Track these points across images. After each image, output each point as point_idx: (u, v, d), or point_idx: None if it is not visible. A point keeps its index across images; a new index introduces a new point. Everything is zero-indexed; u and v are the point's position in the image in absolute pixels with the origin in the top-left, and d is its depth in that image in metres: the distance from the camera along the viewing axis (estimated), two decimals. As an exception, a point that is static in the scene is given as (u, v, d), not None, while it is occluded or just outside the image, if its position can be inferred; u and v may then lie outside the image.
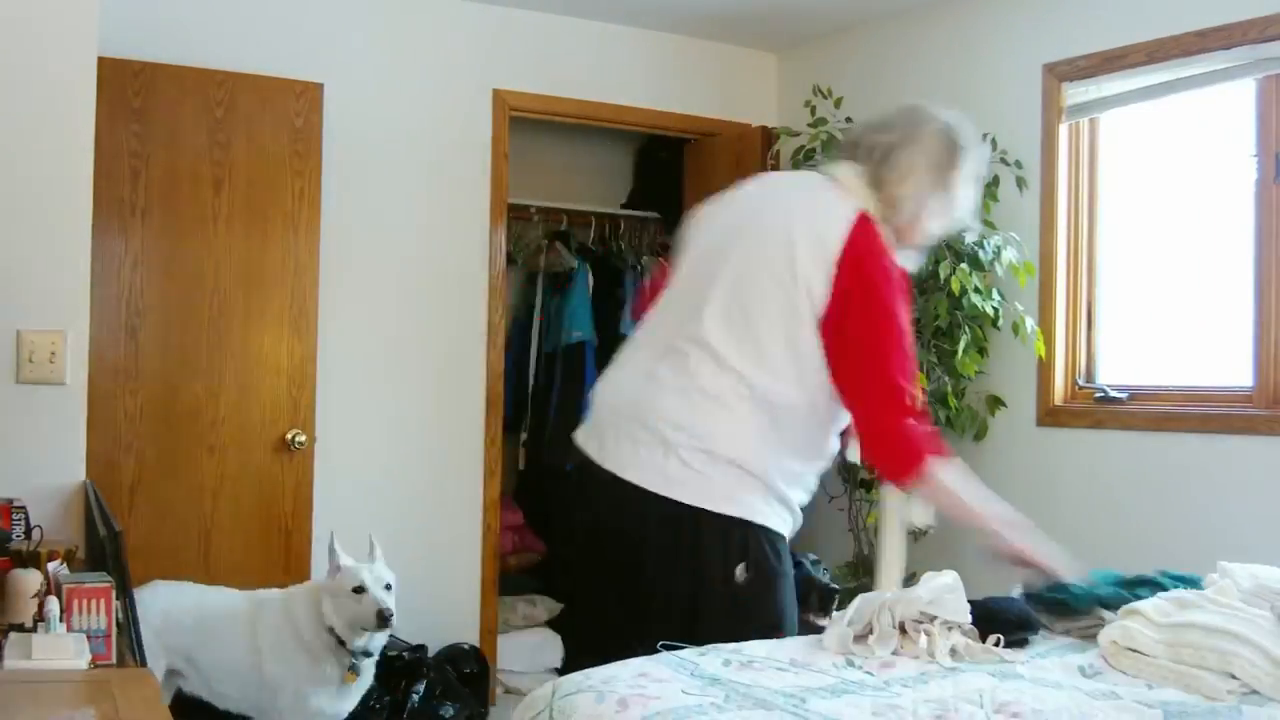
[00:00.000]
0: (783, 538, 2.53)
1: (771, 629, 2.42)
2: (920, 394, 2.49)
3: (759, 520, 2.45)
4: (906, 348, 2.42)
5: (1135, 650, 2.73)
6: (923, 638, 2.82)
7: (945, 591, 2.90)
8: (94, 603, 2.02)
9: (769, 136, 4.87)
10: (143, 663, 2.08)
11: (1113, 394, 3.95)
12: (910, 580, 4.17)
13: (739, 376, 2.40)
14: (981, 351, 4.13)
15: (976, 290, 3.97)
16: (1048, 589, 3.13)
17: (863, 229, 2.41)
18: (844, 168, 2.56)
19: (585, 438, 2.59)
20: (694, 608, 2.45)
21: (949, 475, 2.45)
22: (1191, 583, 3.10)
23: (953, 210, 2.58)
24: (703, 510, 2.40)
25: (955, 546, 4.29)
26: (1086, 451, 3.97)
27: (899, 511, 2.71)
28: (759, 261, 2.44)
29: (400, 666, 4.12)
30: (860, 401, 2.43)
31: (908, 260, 2.57)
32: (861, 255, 2.38)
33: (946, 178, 2.53)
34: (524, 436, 5.41)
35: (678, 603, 2.46)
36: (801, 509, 2.58)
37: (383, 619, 3.21)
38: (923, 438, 2.44)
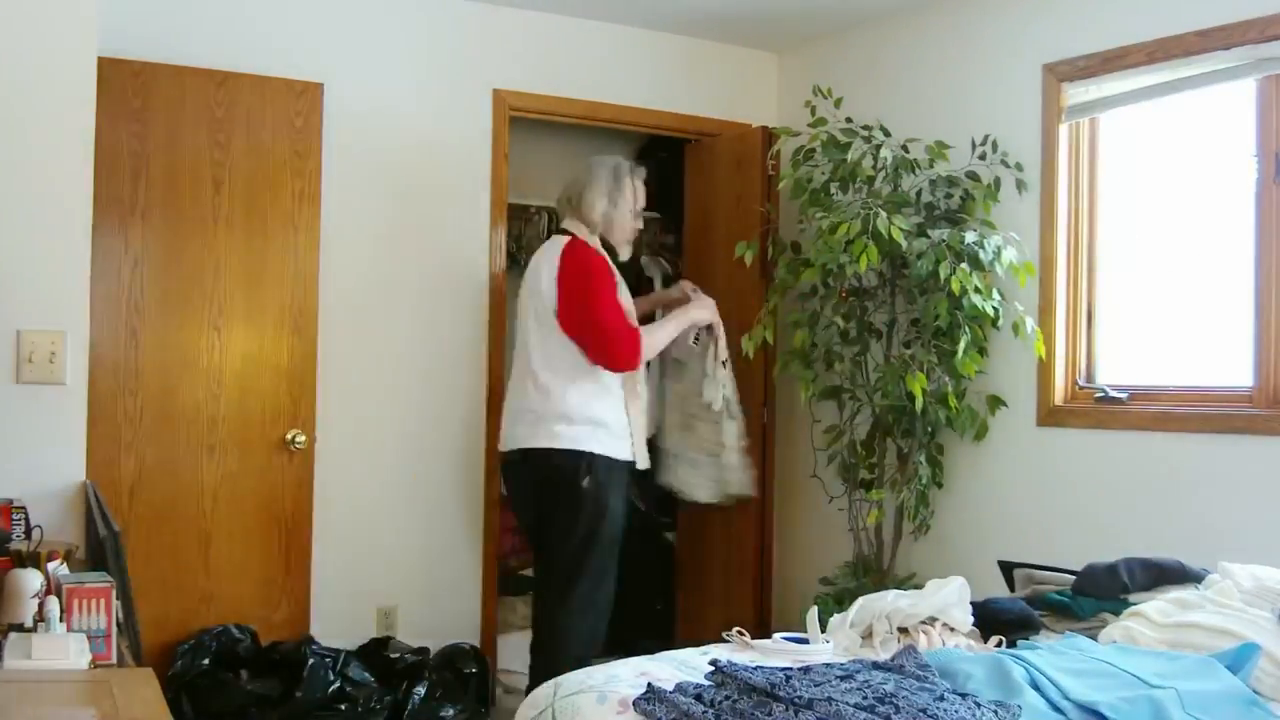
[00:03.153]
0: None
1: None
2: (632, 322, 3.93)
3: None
4: (608, 301, 3.87)
5: (1136, 650, 2.73)
6: (922, 638, 2.82)
7: (947, 603, 2.90)
8: (94, 603, 2.02)
9: (769, 136, 4.86)
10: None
11: (1113, 394, 3.94)
12: (911, 581, 4.18)
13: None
14: (981, 351, 4.13)
15: (976, 290, 3.97)
16: (1052, 596, 3.13)
17: (569, 249, 3.91)
18: (566, 222, 4.06)
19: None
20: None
21: (648, 338, 3.95)
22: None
23: (628, 213, 4.04)
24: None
25: (961, 548, 4.30)
26: (1086, 451, 3.97)
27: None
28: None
29: (401, 668, 4.12)
30: (591, 338, 3.86)
31: (624, 251, 4.13)
32: (566, 264, 3.87)
33: (616, 196, 4.01)
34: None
35: None
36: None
37: None
38: (628, 331, 3.88)
